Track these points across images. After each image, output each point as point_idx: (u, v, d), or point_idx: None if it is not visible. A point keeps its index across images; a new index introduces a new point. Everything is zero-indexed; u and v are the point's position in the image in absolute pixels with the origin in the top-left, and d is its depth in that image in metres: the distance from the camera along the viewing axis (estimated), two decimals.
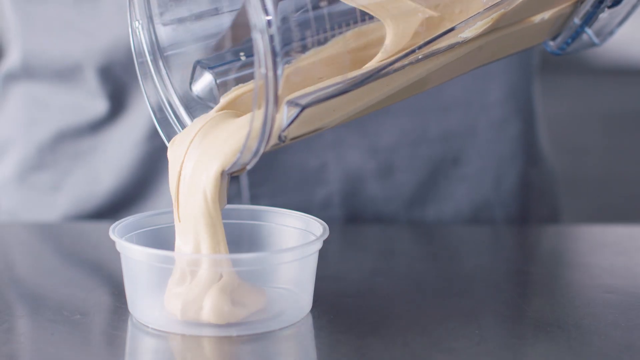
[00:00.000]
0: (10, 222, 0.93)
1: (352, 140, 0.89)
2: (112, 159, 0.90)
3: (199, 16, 0.66)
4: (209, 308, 0.61)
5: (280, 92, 0.56)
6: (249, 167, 0.60)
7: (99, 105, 0.90)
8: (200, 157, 0.62)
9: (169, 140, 0.65)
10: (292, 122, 0.58)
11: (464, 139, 0.91)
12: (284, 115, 0.58)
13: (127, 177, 0.90)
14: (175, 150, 0.63)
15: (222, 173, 0.61)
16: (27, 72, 0.91)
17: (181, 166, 0.62)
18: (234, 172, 0.61)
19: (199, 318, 0.61)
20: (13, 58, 0.92)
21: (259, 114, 0.57)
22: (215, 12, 0.67)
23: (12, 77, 0.93)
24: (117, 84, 0.89)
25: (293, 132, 0.59)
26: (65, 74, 0.90)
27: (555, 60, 1.61)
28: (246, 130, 0.58)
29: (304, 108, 0.58)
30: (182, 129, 0.66)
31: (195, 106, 0.66)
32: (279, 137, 0.59)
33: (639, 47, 1.82)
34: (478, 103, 0.91)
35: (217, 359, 0.60)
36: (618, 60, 1.85)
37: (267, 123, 0.57)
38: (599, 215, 1.83)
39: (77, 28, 0.88)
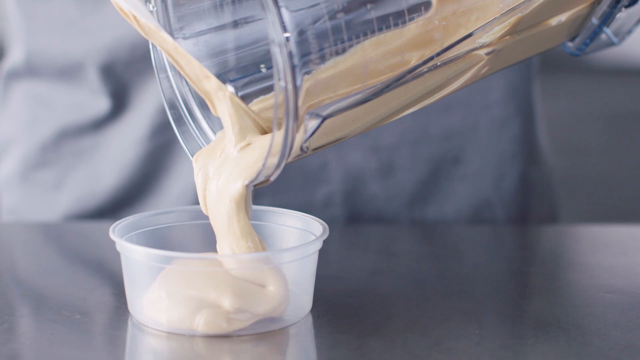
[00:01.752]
0: (11, 221, 0.93)
1: (353, 139, 0.89)
2: (114, 157, 0.90)
3: (219, 29, 0.66)
4: (203, 324, 0.61)
5: (300, 104, 0.56)
6: (272, 179, 0.60)
7: (101, 104, 0.90)
8: (225, 172, 0.62)
9: (191, 153, 0.65)
10: (313, 133, 0.58)
11: (464, 138, 0.91)
12: (305, 126, 0.58)
13: (129, 175, 0.90)
14: (199, 164, 0.63)
15: (247, 186, 0.61)
16: (30, 70, 0.92)
17: (206, 181, 0.63)
18: (258, 184, 0.62)
19: (193, 330, 0.61)
20: (16, 56, 0.93)
21: (280, 127, 0.57)
22: (235, 25, 0.67)
23: (15, 76, 0.93)
24: (120, 82, 0.89)
25: (314, 143, 0.60)
26: (68, 73, 0.90)
27: (556, 60, 1.61)
28: (268, 144, 0.58)
29: (324, 119, 0.58)
30: (204, 142, 0.66)
31: (217, 119, 0.66)
32: (301, 149, 0.59)
33: (639, 47, 1.82)
34: (479, 102, 0.91)
35: (217, 359, 0.60)
36: (618, 60, 1.85)
37: (288, 136, 0.57)
38: (599, 215, 1.83)
39: (79, 27, 0.89)
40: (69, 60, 0.90)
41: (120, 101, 0.90)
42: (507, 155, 0.93)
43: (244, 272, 0.61)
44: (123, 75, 0.89)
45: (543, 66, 0.99)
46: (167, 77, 0.66)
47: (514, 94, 0.92)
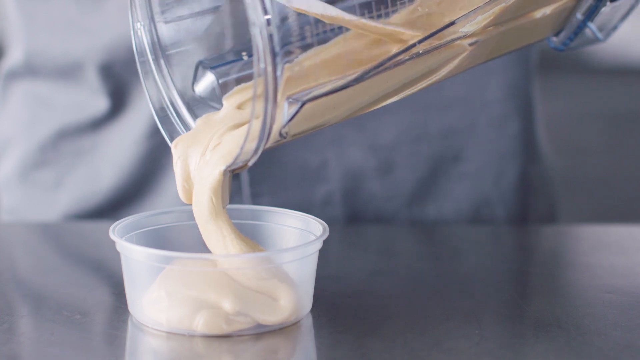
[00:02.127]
0: (11, 221, 0.93)
1: (352, 137, 0.89)
2: (113, 156, 0.91)
3: (200, 14, 0.66)
4: (202, 324, 0.61)
5: (279, 88, 0.56)
6: (250, 164, 0.60)
7: (100, 103, 0.90)
8: (203, 157, 0.62)
9: (171, 140, 0.65)
10: (292, 118, 0.58)
11: (464, 136, 0.91)
12: (284, 111, 0.58)
13: (128, 174, 0.90)
14: (178, 152, 0.63)
15: (224, 171, 0.61)
16: (30, 70, 0.92)
17: (186, 170, 0.62)
18: (236, 169, 0.61)
19: (192, 330, 0.61)
20: (15, 56, 0.93)
21: (258, 111, 0.57)
22: (216, 10, 0.67)
23: (14, 75, 0.93)
24: (118, 82, 0.89)
25: (294, 128, 0.59)
26: (67, 72, 0.90)
27: (555, 60, 1.61)
28: (246, 127, 0.58)
29: (303, 104, 0.58)
30: (184, 129, 0.66)
31: (198, 105, 0.66)
32: (280, 134, 0.59)
33: (639, 47, 1.82)
34: (478, 100, 0.91)
35: (217, 359, 0.60)
36: (618, 60, 1.85)
37: (267, 119, 0.57)
38: (599, 215, 1.83)
39: (79, 26, 0.89)
40: (68, 60, 0.90)
41: (119, 101, 0.90)
42: (506, 153, 0.93)
43: (255, 284, 0.61)
44: (122, 75, 0.89)
45: (542, 65, 0.99)
46: (148, 62, 0.66)
47: (513, 92, 0.92)
